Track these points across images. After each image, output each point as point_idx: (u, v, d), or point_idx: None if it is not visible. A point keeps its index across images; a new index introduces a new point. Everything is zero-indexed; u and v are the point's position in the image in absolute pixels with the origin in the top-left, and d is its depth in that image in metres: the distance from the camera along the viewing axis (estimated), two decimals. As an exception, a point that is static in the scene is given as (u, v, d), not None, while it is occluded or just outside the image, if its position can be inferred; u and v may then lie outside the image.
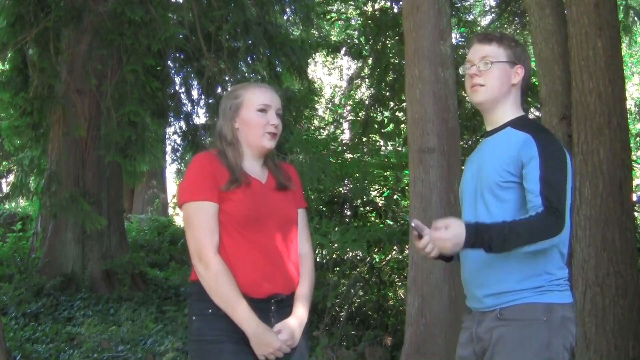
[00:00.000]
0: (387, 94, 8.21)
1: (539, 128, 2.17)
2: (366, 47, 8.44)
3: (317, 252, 6.46)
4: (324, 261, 6.69)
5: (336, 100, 15.13)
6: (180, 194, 2.25)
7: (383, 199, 7.23)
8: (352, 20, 9.71)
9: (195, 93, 9.95)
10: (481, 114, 2.29)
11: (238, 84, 9.40)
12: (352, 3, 9.57)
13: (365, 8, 8.84)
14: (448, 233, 1.97)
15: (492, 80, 2.15)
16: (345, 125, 10.61)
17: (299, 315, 2.22)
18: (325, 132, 9.87)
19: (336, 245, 5.80)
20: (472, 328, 2.16)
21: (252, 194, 2.23)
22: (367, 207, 7.11)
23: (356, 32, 9.26)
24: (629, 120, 4.78)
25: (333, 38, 11.84)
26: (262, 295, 2.17)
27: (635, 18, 8.40)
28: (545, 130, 2.17)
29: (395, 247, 6.57)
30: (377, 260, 6.96)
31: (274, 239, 2.23)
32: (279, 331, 2.16)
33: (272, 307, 2.19)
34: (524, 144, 2.04)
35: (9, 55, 8.12)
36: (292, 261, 2.28)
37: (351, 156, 7.35)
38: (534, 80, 5.02)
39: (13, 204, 12.58)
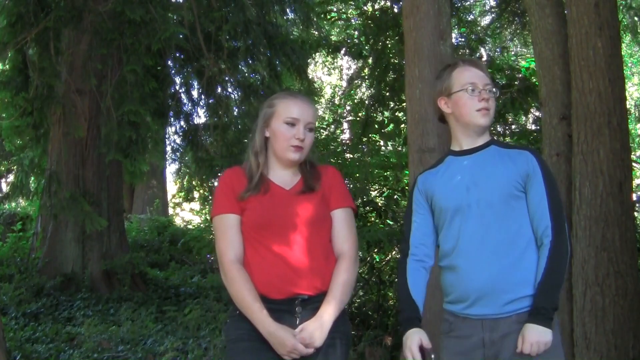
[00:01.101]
0: (387, 94, 8.20)
1: (525, 146, 2.44)
2: (366, 47, 8.44)
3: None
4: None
5: (336, 100, 15.14)
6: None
7: (383, 199, 7.22)
8: (352, 20, 9.70)
9: (195, 93, 9.96)
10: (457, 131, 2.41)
11: (237, 86, 9.18)
12: (352, 3, 9.56)
13: (365, 8, 8.84)
14: (532, 337, 2.10)
15: (493, 107, 2.34)
16: (345, 125, 10.61)
17: (323, 315, 2.23)
18: (325, 132, 9.86)
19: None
20: (480, 334, 2.22)
21: (270, 200, 2.30)
22: (367, 207, 7.10)
23: (356, 32, 9.26)
24: (628, 121, 4.78)
25: (333, 38, 11.83)
26: (282, 296, 2.23)
27: (636, 18, 8.41)
28: (534, 149, 2.42)
29: (395, 247, 6.56)
30: (377, 260, 6.96)
31: (293, 241, 2.27)
32: (300, 331, 2.18)
33: (297, 308, 2.24)
34: (528, 160, 2.26)
35: (10, 55, 8.11)
36: (318, 261, 2.29)
37: (351, 156, 7.34)
38: (534, 80, 5.03)
39: (13, 204, 12.59)
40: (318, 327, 2.19)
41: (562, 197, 3.93)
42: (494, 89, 2.33)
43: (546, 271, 2.13)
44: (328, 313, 2.23)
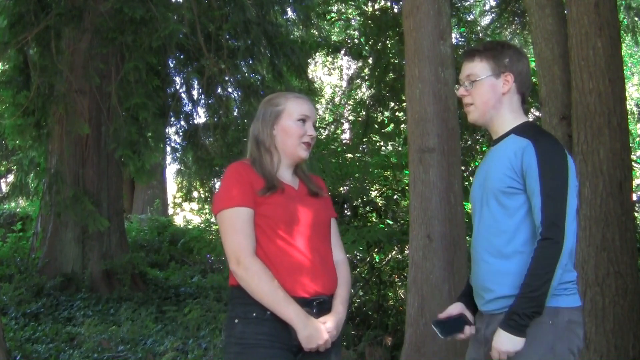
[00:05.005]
0: (387, 94, 8.21)
1: (539, 133, 2.17)
2: (366, 47, 8.45)
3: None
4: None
5: (336, 100, 15.16)
6: (216, 203, 2.28)
7: (383, 199, 7.23)
8: (352, 20, 9.71)
9: (195, 93, 9.96)
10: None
11: (237, 86, 9.15)
12: (352, 3, 9.57)
13: (365, 8, 8.85)
14: (497, 344, 2.03)
15: (479, 97, 2.22)
16: (346, 125, 10.62)
17: (339, 312, 2.27)
18: (326, 132, 9.87)
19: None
20: (482, 329, 2.22)
21: (289, 198, 2.29)
22: (367, 207, 7.11)
23: (356, 32, 9.27)
24: (628, 121, 4.78)
25: (333, 38, 11.84)
26: (306, 295, 2.20)
27: (636, 18, 8.41)
28: (545, 135, 2.16)
29: (395, 247, 6.57)
30: (377, 260, 6.96)
31: (312, 241, 2.27)
32: (324, 323, 2.20)
33: (314, 309, 2.21)
34: (524, 151, 2.07)
35: (10, 54, 8.11)
36: (331, 263, 2.34)
37: (351, 156, 7.35)
38: (534, 80, 5.02)
39: (13, 204, 12.59)
40: (336, 325, 2.24)
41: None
42: (472, 80, 2.22)
43: (527, 275, 2.01)
44: (343, 311, 2.28)
